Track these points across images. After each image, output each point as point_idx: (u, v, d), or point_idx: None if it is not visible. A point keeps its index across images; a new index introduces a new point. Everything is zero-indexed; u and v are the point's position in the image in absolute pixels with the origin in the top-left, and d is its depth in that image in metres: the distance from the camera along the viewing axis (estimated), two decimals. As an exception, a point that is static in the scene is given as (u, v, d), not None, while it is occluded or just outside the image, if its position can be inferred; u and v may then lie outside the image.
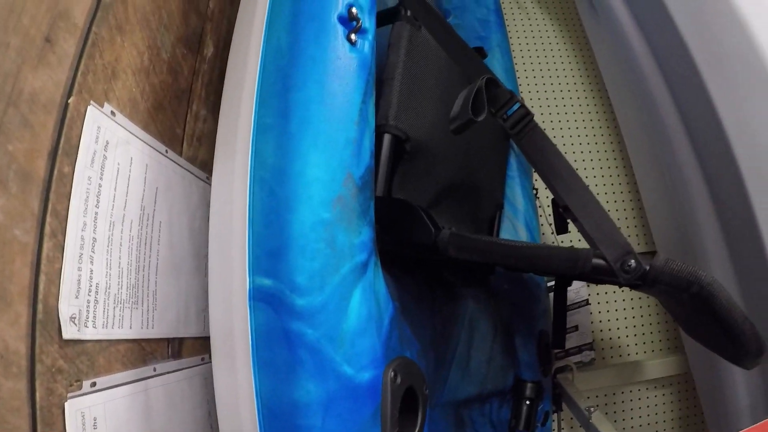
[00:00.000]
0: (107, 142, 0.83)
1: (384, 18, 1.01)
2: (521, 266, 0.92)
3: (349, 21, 0.80)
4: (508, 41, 1.76)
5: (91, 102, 0.81)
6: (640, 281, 0.72)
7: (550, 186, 0.84)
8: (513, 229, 1.49)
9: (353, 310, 0.67)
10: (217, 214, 0.73)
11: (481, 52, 1.32)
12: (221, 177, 0.75)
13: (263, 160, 0.70)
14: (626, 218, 1.86)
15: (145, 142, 0.94)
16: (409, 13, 1.03)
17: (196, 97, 1.16)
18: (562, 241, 1.75)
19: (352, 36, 0.80)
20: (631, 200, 1.88)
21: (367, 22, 0.83)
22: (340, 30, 0.80)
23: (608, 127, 1.98)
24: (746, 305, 1.32)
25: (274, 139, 0.71)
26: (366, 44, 0.81)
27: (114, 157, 0.85)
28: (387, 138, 0.93)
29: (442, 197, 1.13)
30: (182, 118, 1.10)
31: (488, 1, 1.77)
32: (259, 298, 0.65)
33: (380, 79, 0.96)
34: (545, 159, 0.82)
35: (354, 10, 0.81)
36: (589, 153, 1.95)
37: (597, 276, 0.77)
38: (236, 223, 0.69)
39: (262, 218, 0.67)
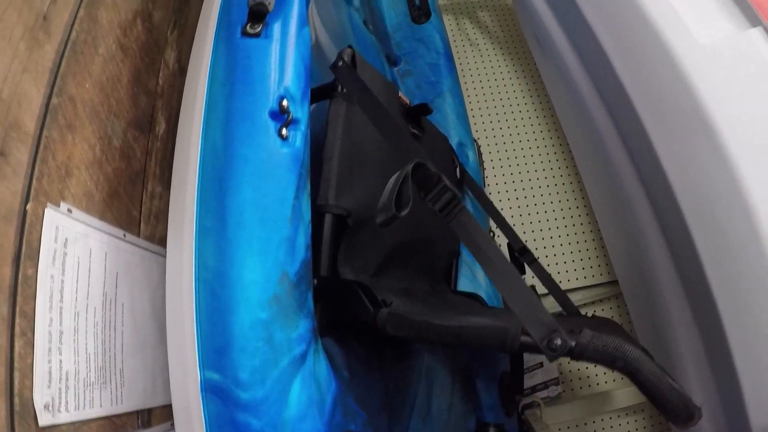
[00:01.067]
0: (66, 239, 0.95)
1: (320, 94, 1.15)
2: (457, 345, 1.02)
3: (280, 114, 0.94)
4: (459, 84, 1.92)
5: (48, 204, 0.92)
6: (567, 356, 0.82)
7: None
8: (471, 275, 1.62)
9: (293, 399, 0.80)
10: (171, 310, 0.86)
11: (425, 109, 1.45)
12: (171, 273, 0.88)
13: (205, 262, 0.84)
14: (587, 249, 2.01)
15: (102, 231, 1.06)
16: (344, 89, 1.14)
17: (151, 176, 1.28)
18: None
19: (284, 131, 0.93)
20: (591, 231, 2.03)
21: (299, 111, 0.96)
22: (271, 126, 0.93)
23: (565, 160, 2.14)
24: (701, 333, 1.47)
25: (213, 243, 0.85)
26: (298, 136, 0.94)
27: (74, 252, 0.96)
28: (328, 218, 1.05)
29: (393, 259, 1.25)
30: (138, 200, 1.22)
31: (437, 45, 1.93)
32: (210, 390, 0.79)
33: (320, 157, 1.09)
34: (473, 241, 0.91)
35: (285, 102, 0.95)
36: (547, 187, 2.11)
37: (527, 351, 0.88)
38: (186, 319, 0.82)
39: (207, 317, 0.81)
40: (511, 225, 2.00)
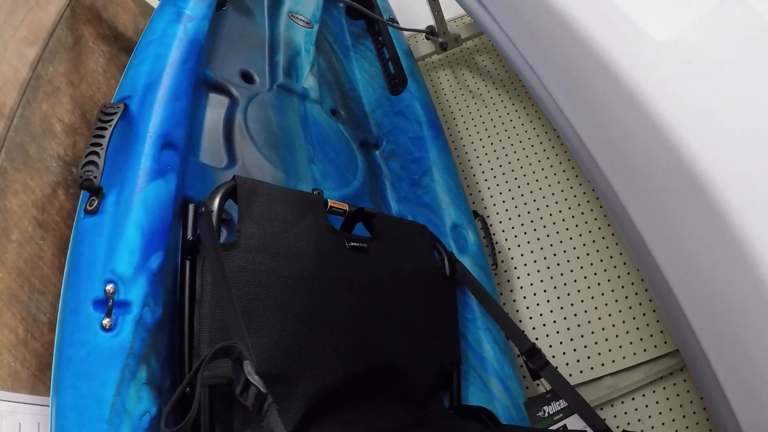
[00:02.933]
0: None
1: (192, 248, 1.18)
2: None
3: (106, 302, 1.00)
4: (448, 153, 1.92)
5: None
6: None
7: None
8: (482, 383, 1.58)
9: None
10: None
11: (363, 214, 1.46)
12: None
13: None
14: (642, 316, 1.89)
15: (33, 404, 1.15)
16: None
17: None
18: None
19: (105, 321, 0.99)
20: (640, 294, 1.92)
21: (131, 291, 1.02)
22: (93, 319, 0.99)
23: (601, 218, 2.04)
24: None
25: None
26: (126, 321, 1.00)
27: (2, 429, 1.07)
28: (201, 392, 1.03)
29: (329, 406, 1.24)
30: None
31: (417, 114, 1.94)
32: None
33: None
34: None
35: (110, 287, 1.01)
36: (587, 256, 2.02)
37: None
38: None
39: None
40: (546, 301, 1.96)
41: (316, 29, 1.92)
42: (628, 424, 1.82)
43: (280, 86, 1.69)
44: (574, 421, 1.44)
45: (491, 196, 2.20)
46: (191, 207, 1.21)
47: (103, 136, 1.13)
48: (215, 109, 1.51)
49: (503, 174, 2.23)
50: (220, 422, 1.07)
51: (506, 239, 2.12)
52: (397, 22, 2.13)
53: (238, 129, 1.50)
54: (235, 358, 0.97)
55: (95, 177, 1.09)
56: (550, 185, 2.17)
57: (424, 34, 2.31)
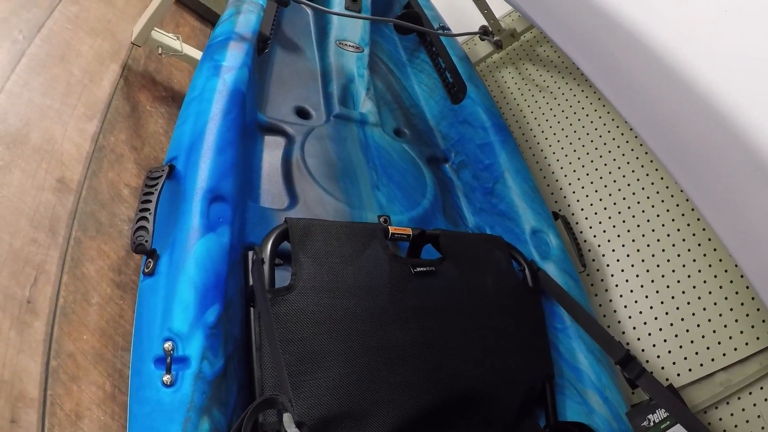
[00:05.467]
0: None
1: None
2: None
3: (165, 359, 1.04)
4: (519, 156, 1.87)
5: None
6: None
7: None
8: (579, 397, 1.50)
9: None
10: None
11: (427, 238, 1.43)
12: None
13: None
14: (751, 302, 1.75)
15: None
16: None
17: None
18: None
19: (165, 378, 1.02)
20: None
21: (189, 347, 1.05)
22: (155, 376, 1.03)
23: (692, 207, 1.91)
24: None
25: None
26: (186, 376, 1.03)
27: None
28: None
29: None
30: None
31: (482, 119, 1.90)
32: None
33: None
34: None
35: (168, 345, 1.05)
36: (683, 241, 1.88)
37: None
38: None
39: None
40: (644, 297, 1.85)
41: (368, 52, 1.93)
42: (747, 422, 1.69)
43: (337, 116, 1.71)
44: (681, 430, 1.35)
45: (573, 193, 2.11)
46: (250, 254, 1.23)
47: (150, 201, 1.17)
48: (272, 151, 1.54)
49: (583, 167, 2.13)
50: None
51: (594, 236, 2.02)
52: (449, 29, 2.10)
53: (296, 167, 1.51)
54: (278, 410, 0.99)
55: (146, 241, 1.13)
56: (633, 171, 2.05)
57: (478, 35, 2.27)
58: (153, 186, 1.19)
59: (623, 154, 2.08)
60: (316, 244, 1.24)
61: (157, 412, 1.01)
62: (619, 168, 2.07)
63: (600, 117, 2.17)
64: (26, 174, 1.43)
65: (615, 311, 1.91)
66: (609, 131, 2.13)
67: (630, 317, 1.89)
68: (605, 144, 2.12)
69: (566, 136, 2.20)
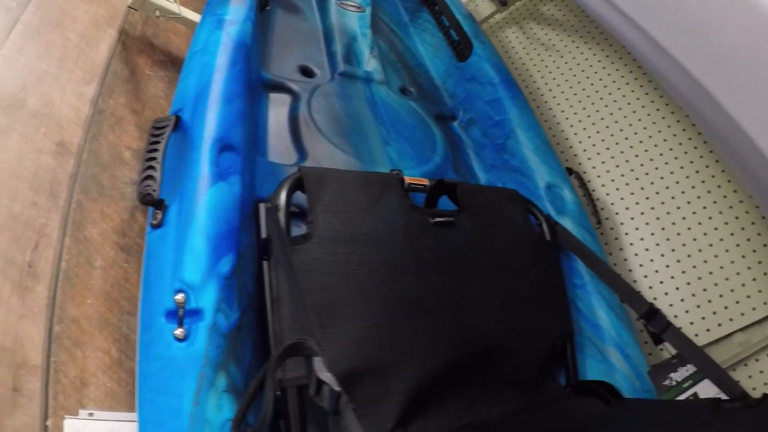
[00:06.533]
0: None
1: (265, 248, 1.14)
2: None
3: (177, 311, 0.97)
4: (529, 111, 1.81)
5: (65, 416, 1.08)
6: None
7: None
8: (599, 354, 1.43)
9: None
10: None
11: (444, 187, 1.38)
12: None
13: None
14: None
15: (132, 421, 1.15)
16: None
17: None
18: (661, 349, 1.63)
19: (178, 331, 0.96)
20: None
21: (202, 299, 0.99)
22: (166, 330, 0.97)
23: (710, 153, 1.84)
24: None
25: None
26: (200, 329, 0.97)
27: None
28: (290, 393, 1.00)
29: (428, 395, 1.15)
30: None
31: (490, 75, 1.84)
32: None
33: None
34: None
35: (180, 296, 0.98)
36: (698, 198, 1.81)
37: None
38: None
39: None
40: (660, 256, 1.80)
41: (369, 12, 1.89)
42: (765, 384, 1.62)
43: (342, 74, 1.66)
44: (705, 387, 1.28)
45: (584, 150, 2.04)
46: (261, 206, 1.17)
47: (157, 150, 1.11)
48: (278, 108, 1.49)
49: (593, 124, 2.06)
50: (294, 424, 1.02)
51: (607, 194, 1.95)
52: (452, -13, 2.03)
53: (303, 123, 1.47)
54: (306, 356, 0.92)
55: (154, 190, 1.07)
56: (645, 128, 1.98)
57: (482, -7, 2.21)
58: (159, 135, 1.14)
59: (634, 111, 2.01)
60: (332, 193, 1.18)
61: (169, 369, 0.95)
62: (630, 125, 2.00)
63: (609, 74, 2.10)
64: (24, 138, 1.37)
65: (630, 270, 1.84)
66: (619, 88, 2.06)
67: (646, 276, 1.82)
68: (615, 101, 2.05)
69: (575, 94, 2.13)
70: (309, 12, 1.81)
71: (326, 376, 0.86)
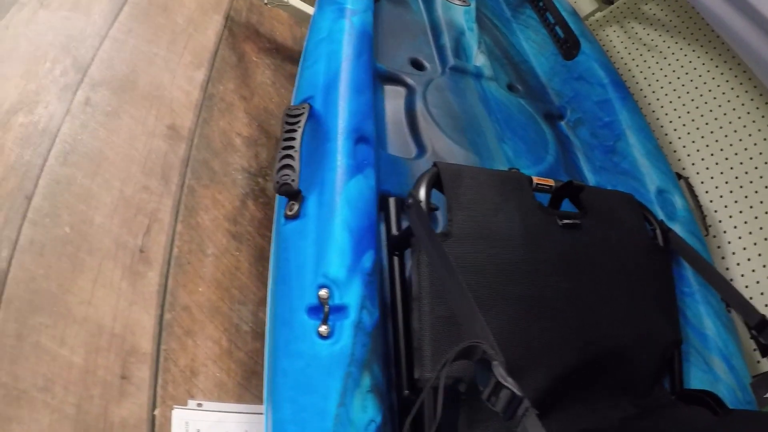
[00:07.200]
0: (198, 430, 1.06)
1: (402, 242, 1.08)
2: None
3: (321, 308, 0.91)
4: (639, 113, 1.71)
5: (174, 406, 1.05)
6: None
7: None
8: (704, 364, 1.36)
9: None
10: None
11: (573, 188, 1.28)
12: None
13: None
14: None
15: (239, 412, 1.14)
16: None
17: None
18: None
19: (322, 328, 0.90)
20: None
21: (346, 295, 0.93)
22: (309, 327, 0.91)
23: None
24: None
25: None
26: (345, 327, 0.91)
27: None
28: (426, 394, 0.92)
29: (554, 402, 1.09)
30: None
31: (599, 76, 1.74)
32: None
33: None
34: None
35: (323, 293, 0.92)
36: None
37: None
38: None
39: None
40: (763, 266, 1.71)
41: (474, 6, 1.81)
42: None
43: (453, 68, 1.59)
44: None
45: (688, 156, 1.92)
46: (392, 201, 1.11)
47: (294, 138, 1.06)
48: (394, 100, 1.43)
49: (697, 129, 1.94)
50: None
51: (711, 201, 1.84)
52: (555, -17, 1.94)
53: (421, 117, 1.40)
54: (478, 360, 0.84)
55: (293, 180, 1.01)
56: (750, 135, 1.85)
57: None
58: (295, 123, 1.08)
59: (739, 117, 1.88)
60: (468, 190, 1.11)
61: (312, 367, 0.89)
62: (735, 131, 1.88)
63: (714, 78, 1.97)
64: (136, 120, 1.33)
65: (732, 279, 1.73)
66: (724, 93, 1.94)
67: (746, 287, 1.70)
68: (720, 106, 1.93)
69: (679, 98, 2.01)
70: (414, 4, 1.75)
71: (510, 382, 0.79)
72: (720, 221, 1.81)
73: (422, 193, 1.05)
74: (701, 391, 1.31)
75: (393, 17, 1.65)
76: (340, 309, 0.92)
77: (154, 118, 1.35)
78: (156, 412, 1.02)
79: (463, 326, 0.91)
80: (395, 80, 1.45)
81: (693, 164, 1.90)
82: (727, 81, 1.95)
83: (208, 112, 1.42)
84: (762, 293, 1.68)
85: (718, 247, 1.78)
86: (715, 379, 1.35)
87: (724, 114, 1.92)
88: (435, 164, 1.11)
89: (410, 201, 1.04)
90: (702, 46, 2.03)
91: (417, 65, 1.56)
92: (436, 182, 1.09)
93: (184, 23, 1.58)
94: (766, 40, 1.49)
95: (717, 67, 1.98)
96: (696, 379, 1.38)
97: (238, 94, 1.52)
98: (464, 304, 0.89)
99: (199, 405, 1.07)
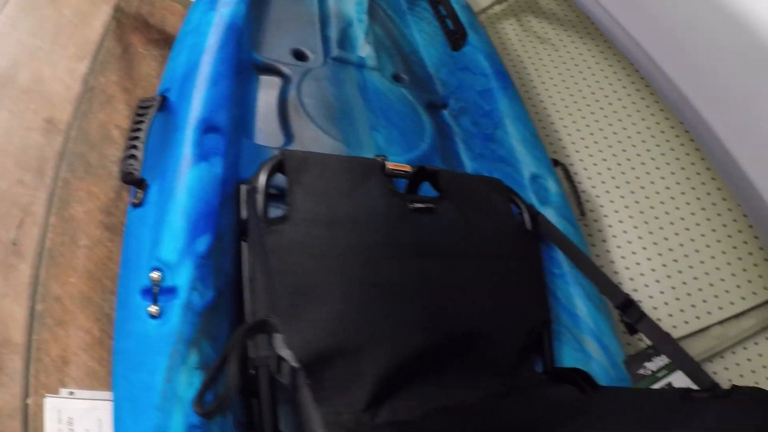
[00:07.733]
0: (71, 418, 1.07)
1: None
2: None
3: (152, 289, 0.96)
4: (519, 102, 1.75)
5: (46, 395, 1.06)
6: None
7: None
8: (576, 343, 1.40)
9: None
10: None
11: (424, 174, 1.34)
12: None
13: None
14: (749, 255, 1.65)
15: (111, 400, 1.15)
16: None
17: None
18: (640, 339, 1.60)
19: (152, 308, 0.94)
20: (742, 231, 1.68)
21: (178, 277, 0.97)
22: (141, 308, 0.95)
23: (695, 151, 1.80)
24: None
25: None
26: (174, 307, 0.95)
27: (81, 426, 1.08)
28: (261, 373, 0.96)
29: (399, 379, 1.12)
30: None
31: (483, 66, 1.77)
32: None
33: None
34: None
35: (155, 275, 0.96)
36: (682, 195, 1.78)
37: None
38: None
39: None
40: (642, 248, 1.78)
41: None
42: (741, 376, 1.60)
43: (335, 59, 1.61)
44: (679, 377, 1.28)
45: (572, 143, 2.00)
46: (243, 188, 1.14)
47: (140, 129, 1.10)
48: (268, 90, 1.45)
49: (583, 118, 2.02)
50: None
51: (592, 186, 1.91)
52: (450, -23, 1.96)
53: (292, 106, 1.43)
54: (270, 333, 0.91)
55: (136, 169, 1.05)
56: (634, 124, 1.95)
57: (480, -18, 2.14)
58: (144, 115, 1.11)
59: (624, 107, 1.98)
60: (313, 177, 1.15)
61: (143, 345, 0.94)
62: (619, 120, 1.97)
63: (601, 70, 2.07)
64: (14, 115, 1.33)
65: (612, 261, 1.81)
66: (610, 84, 2.03)
67: (627, 268, 1.79)
68: (606, 96, 2.02)
69: (567, 88, 2.09)
70: None
71: (285, 353, 0.86)
72: (602, 206, 1.88)
73: (261, 180, 1.09)
74: (571, 369, 1.35)
75: (282, 8, 1.65)
76: (170, 290, 0.96)
77: (32, 112, 1.34)
78: (29, 401, 1.04)
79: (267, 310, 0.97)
80: (271, 70, 1.47)
81: (577, 151, 1.98)
82: (614, 72, 2.04)
83: (87, 105, 1.41)
84: (642, 274, 1.76)
85: (599, 230, 1.86)
86: (587, 358, 1.40)
87: (610, 104, 2.01)
88: (281, 151, 1.14)
89: (248, 187, 1.09)
90: (593, 39, 2.11)
91: (299, 56, 1.57)
92: (279, 169, 1.12)
93: (71, 14, 1.56)
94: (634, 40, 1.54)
95: (605, 59, 2.07)
96: (568, 358, 1.42)
97: (120, 86, 1.51)
98: (269, 284, 0.97)
99: (71, 393, 1.09)
